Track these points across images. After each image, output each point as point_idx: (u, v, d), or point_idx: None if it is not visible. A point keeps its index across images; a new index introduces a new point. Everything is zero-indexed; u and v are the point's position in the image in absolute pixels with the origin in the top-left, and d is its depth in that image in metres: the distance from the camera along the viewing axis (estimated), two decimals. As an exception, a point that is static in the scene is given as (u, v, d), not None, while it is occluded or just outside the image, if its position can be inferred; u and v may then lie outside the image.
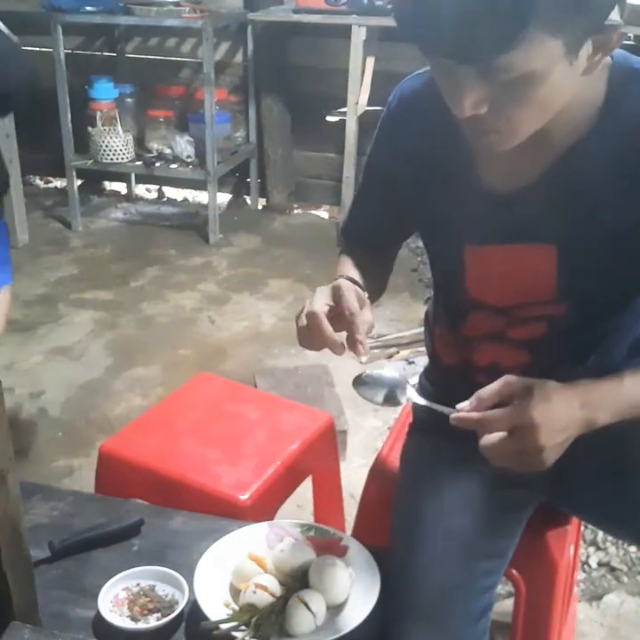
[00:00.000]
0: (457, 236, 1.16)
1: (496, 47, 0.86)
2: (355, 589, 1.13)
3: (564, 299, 1.12)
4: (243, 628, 1.06)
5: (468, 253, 1.16)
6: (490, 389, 1.00)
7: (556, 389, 1.00)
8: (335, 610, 1.11)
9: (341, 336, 1.03)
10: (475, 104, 0.93)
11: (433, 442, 1.30)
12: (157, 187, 4.87)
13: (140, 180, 4.80)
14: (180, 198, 4.83)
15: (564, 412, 0.99)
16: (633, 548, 2.06)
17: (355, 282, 1.13)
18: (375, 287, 1.27)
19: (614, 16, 0.90)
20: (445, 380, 1.34)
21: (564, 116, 0.99)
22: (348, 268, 1.24)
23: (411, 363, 2.99)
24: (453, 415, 1.01)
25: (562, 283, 1.10)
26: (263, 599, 1.09)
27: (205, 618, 1.07)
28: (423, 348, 1.38)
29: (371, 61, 3.75)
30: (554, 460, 1.01)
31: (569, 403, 1.00)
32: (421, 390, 1.44)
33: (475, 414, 0.99)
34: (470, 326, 1.22)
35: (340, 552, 1.18)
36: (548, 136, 1.02)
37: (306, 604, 1.07)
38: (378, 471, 1.51)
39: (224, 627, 1.06)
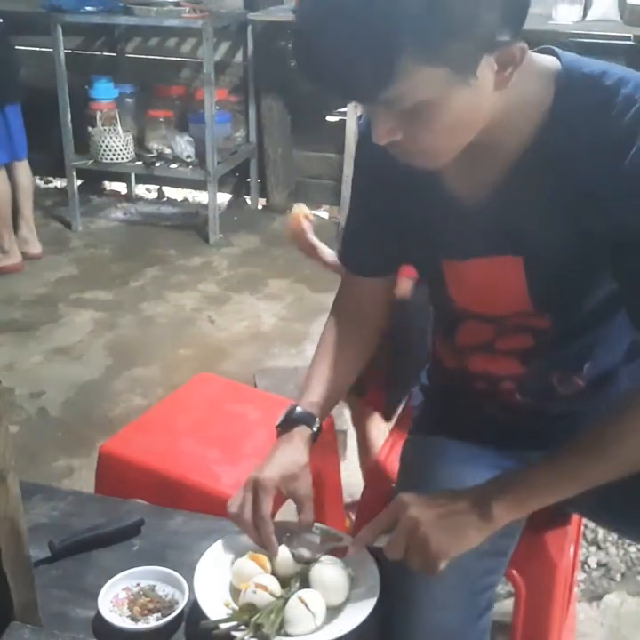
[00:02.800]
0: (433, 251, 1.17)
1: (371, 85, 0.88)
2: (355, 589, 1.13)
3: (544, 311, 1.12)
4: (242, 627, 1.06)
5: (446, 267, 1.17)
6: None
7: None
8: (335, 610, 1.11)
9: None
10: (387, 132, 0.95)
11: (433, 442, 1.30)
12: (157, 187, 4.87)
13: (140, 179, 4.80)
14: (180, 198, 4.83)
15: (434, 494, 1.07)
16: (633, 548, 2.06)
17: (309, 415, 1.23)
18: (356, 362, 1.33)
19: (505, 35, 0.89)
20: (446, 383, 1.34)
21: (511, 124, 1.00)
22: (316, 383, 1.28)
23: (411, 363, 2.99)
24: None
25: (534, 294, 1.10)
26: (263, 599, 1.08)
27: (205, 618, 1.07)
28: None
29: (371, 61, 3.75)
30: (446, 545, 1.02)
31: (443, 491, 1.08)
32: (422, 389, 1.44)
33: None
34: (462, 336, 1.23)
35: (340, 552, 1.18)
36: (498, 145, 1.02)
37: (305, 604, 1.07)
38: (378, 471, 1.51)
39: (224, 626, 1.06)
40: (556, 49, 1.04)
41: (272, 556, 1.15)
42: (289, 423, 1.23)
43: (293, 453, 1.20)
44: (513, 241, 1.07)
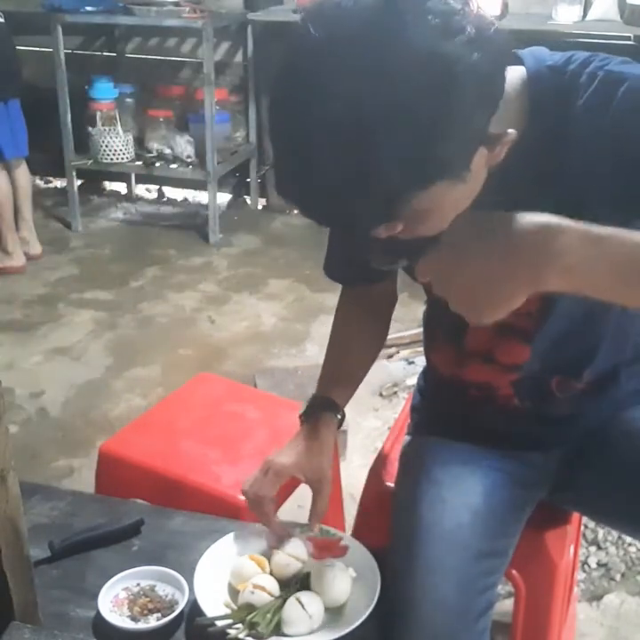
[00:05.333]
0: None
1: (369, 225, 0.84)
2: (355, 589, 1.13)
3: (546, 312, 1.11)
4: (238, 625, 1.06)
5: None
6: None
7: None
8: (335, 610, 1.11)
9: None
10: (386, 229, 0.88)
11: (432, 443, 1.30)
12: (157, 187, 4.87)
13: (140, 180, 4.80)
14: (180, 198, 4.83)
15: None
16: (633, 548, 2.06)
17: (331, 402, 1.25)
18: (374, 343, 1.36)
19: (491, 124, 0.85)
20: (441, 389, 1.34)
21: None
22: (333, 373, 1.31)
23: (411, 363, 2.99)
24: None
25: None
26: (261, 599, 1.08)
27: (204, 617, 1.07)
28: (423, 348, 1.38)
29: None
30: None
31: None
32: (420, 391, 1.43)
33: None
34: (470, 340, 1.22)
35: (340, 552, 1.18)
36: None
37: (302, 605, 1.07)
38: (378, 471, 1.51)
39: (220, 624, 1.06)
40: (518, 52, 1.01)
41: (273, 534, 1.19)
42: (313, 410, 1.26)
43: (315, 445, 1.22)
44: None
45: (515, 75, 0.99)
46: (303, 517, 1.24)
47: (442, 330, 1.28)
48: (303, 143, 0.80)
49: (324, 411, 1.25)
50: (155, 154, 4.18)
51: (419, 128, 0.77)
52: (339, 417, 1.27)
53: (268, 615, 1.07)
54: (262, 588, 1.09)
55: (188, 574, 1.14)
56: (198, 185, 4.51)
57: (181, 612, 1.10)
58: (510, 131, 0.88)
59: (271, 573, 1.14)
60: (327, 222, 0.88)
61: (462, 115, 0.79)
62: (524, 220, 0.84)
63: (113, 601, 1.12)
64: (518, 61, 1.00)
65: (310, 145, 0.79)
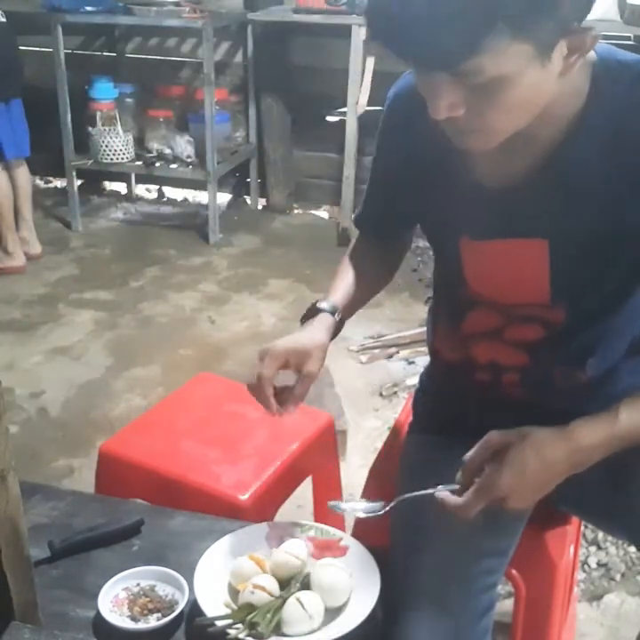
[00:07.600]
0: (452, 229, 1.18)
1: (461, 53, 0.88)
2: (355, 589, 1.13)
3: (559, 302, 1.13)
4: (238, 625, 1.06)
5: (464, 247, 1.17)
6: (472, 460, 1.06)
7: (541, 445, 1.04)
8: (335, 611, 1.11)
9: None
10: (450, 106, 0.95)
11: (433, 441, 1.30)
12: (157, 187, 4.87)
13: (140, 180, 4.81)
14: (180, 198, 4.83)
15: (540, 470, 1.04)
16: (633, 548, 2.06)
17: (331, 304, 1.26)
18: (381, 277, 1.39)
19: (577, 22, 0.91)
20: (447, 377, 1.34)
21: (549, 112, 1.00)
22: (339, 286, 1.31)
23: (411, 363, 2.99)
24: (438, 496, 1.07)
25: (556, 280, 1.10)
26: (261, 599, 1.08)
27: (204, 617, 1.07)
28: (423, 348, 1.38)
29: (371, 61, 3.75)
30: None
31: (553, 455, 1.04)
32: (422, 389, 1.43)
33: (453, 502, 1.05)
34: (469, 323, 1.23)
35: (340, 552, 1.18)
36: (535, 133, 1.03)
37: (302, 605, 1.07)
38: (378, 471, 1.51)
39: (219, 624, 1.06)
40: None
41: (271, 413, 1.18)
42: (311, 313, 1.26)
43: (309, 333, 1.22)
44: (540, 224, 1.08)
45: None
46: (303, 517, 1.24)
47: (447, 314, 1.28)
48: None
49: (321, 311, 1.25)
50: (155, 154, 4.18)
51: None
52: (336, 317, 1.25)
53: (268, 615, 1.07)
54: (262, 588, 1.09)
55: (188, 574, 1.14)
56: (198, 185, 4.52)
57: (181, 612, 1.10)
58: (596, 33, 0.92)
59: (271, 573, 1.14)
60: (417, 49, 0.90)
61: None
62: (559, 439, 1.04)
63: (113, 601, 1.12)
64: None
65: None
